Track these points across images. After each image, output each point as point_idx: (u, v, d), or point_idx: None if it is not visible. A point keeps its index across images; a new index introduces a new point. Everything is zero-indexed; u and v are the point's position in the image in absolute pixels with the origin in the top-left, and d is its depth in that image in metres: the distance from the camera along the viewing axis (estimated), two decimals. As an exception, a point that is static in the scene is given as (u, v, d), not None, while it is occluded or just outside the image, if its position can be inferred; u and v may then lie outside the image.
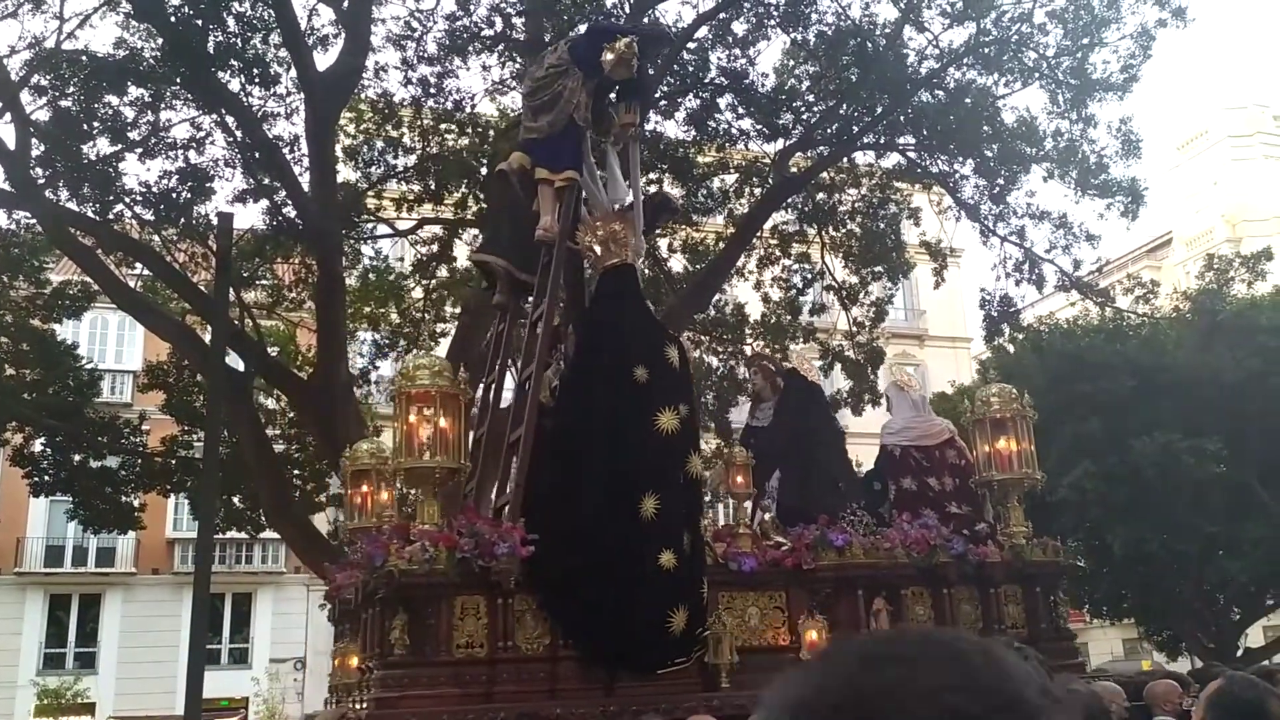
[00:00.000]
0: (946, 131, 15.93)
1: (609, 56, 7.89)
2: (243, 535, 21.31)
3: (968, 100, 15.69)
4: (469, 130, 15.90)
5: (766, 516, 8.36)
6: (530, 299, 8.41)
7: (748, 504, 8.17)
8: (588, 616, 6.68)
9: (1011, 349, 22.00)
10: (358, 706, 6.89)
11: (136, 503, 18.05)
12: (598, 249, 7.78)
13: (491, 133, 16.25)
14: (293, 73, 14.03)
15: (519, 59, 15.38)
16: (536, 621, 6.62)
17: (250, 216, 31.89)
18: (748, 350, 18.95)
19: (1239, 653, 21.58)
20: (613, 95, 8.38)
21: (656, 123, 16.41)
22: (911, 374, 10.52)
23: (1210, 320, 20.36)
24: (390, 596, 6.37)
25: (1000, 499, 8.94)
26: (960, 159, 16.86)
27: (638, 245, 8.06)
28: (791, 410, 9.51)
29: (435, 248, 17.02)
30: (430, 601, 6.39)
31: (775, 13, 15.62)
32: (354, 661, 7.28)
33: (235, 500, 17.64)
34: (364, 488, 8.68)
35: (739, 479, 8.07)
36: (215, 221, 14.05)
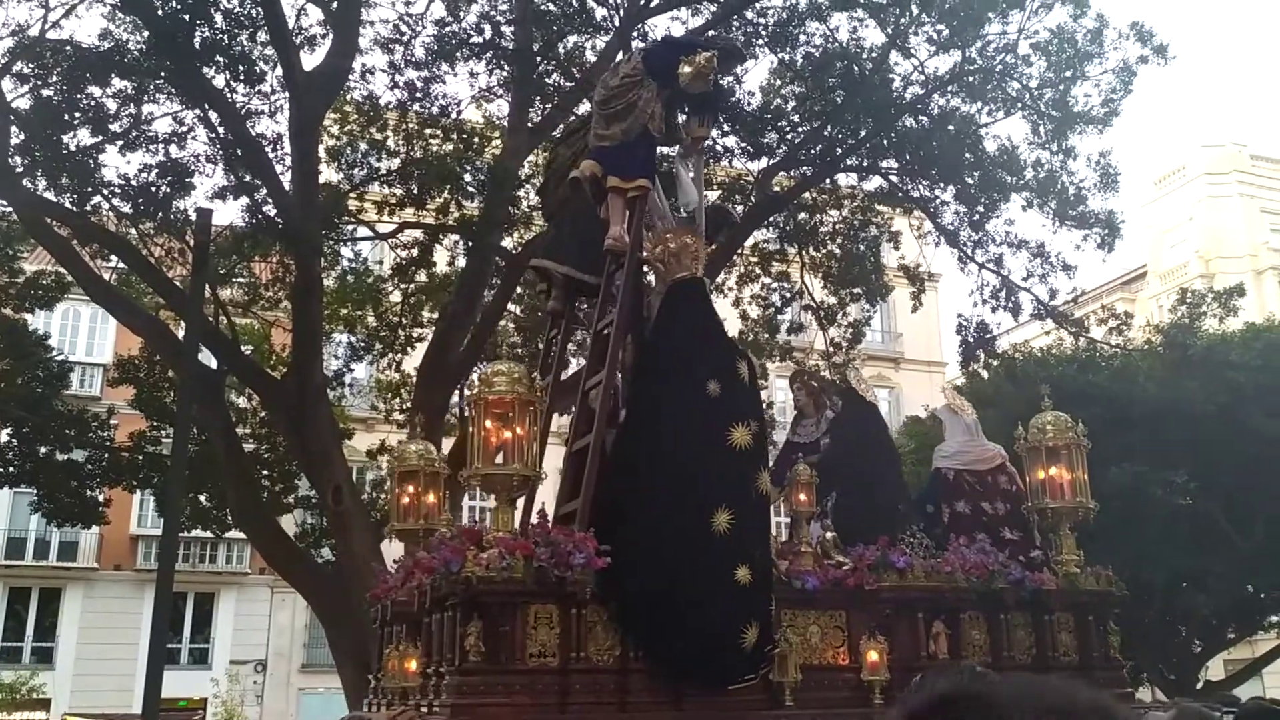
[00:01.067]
0: (929, 157, 16.05)
1: (687, 70, 7.87)
2: (208, 534, 21.16)
3: (950, 127, 15.82)
4: (454, 136, 15.88)
5: (828, 535, 8.34)
6: (585, 304, 8.50)
7: (813, 523, 8.26)
8: (664, 630, 6.66)
9: (986, 375, 22.12)
10: (423, 710, 6.87)
11: (102, 497, 17.87)
12: (668, 260, 7.77)
13: (476, 139, 16.24)
14: (278, 71, 13.98)
15: (506, 67, 15.38)
16: (607, 633, 6.62)
17: (229, 213, 31.71)
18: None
19: (1199, 685, 21.75)
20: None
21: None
22: (964, 399, 10.61)
23: (1181, 354, 20.53)
24: (465, 602, 6.36)
25: (1052, 526, 9.01)
26: (941, 185, 16.98)
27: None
28: (850, 430, 9.55)
29: (415, 252, 16.97)
30: (506, 609, 6.39)
31: (763, 33, 15.72)
32: (413, 665, 7.19)
33: (202, 499, 17.50)
34: (411, 489, 8.65)
35: (802, 497, 8.15)
36: (194, 217, 13.97)
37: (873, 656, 7.32)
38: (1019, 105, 16.14)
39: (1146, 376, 20.34)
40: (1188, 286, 26.42)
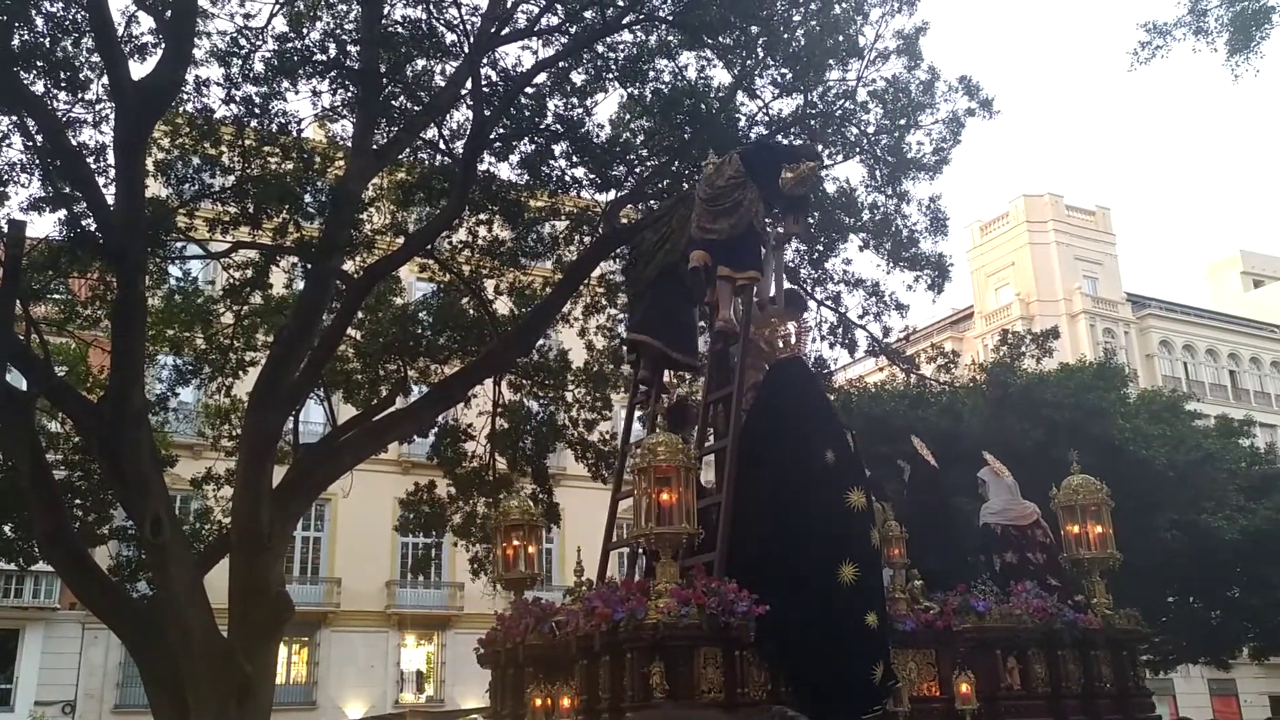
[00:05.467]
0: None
1: (789, 176, 9.10)
2: (12, 567, 19.73)
3: (793, 168, 16.23)
4: (294, 155, 15.36)
5: (916, 583, 9.37)
6: (667, 375, 10.22)
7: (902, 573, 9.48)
8: (811, 669, 7.69)
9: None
10: None
11: (-108, 529, 16.46)
12: (774, 341, 8.88)
13: (318, 159, 15.74)
14: (105, 79, 13.26)
15: (351, 88, 15.01)
16: (760, 671, 7.76)
17: (46, 226, 29.91)
18: (569, 396, 18.91)
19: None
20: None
21: (490, 164, 16.33)
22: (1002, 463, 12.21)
23: (1002, 392, 21.62)
24: (649, 645, 7.41)
25: (1085, 574, 10.38)
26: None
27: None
28: (920, 490, 11.18)
29: (250, 273, 16.32)
30: (683, 652, 7.45)
31: (614, 67, 15.83)
32: (566, 702, 8.03)
33: (6, 529, 16.33)
34: (515, 541, 9.76)
35: (895, 550, 9.38)
36: (5, 229, 13.13)
37: (964, 688, 8.60)
38: (857, 150, 16.75)
39: (971, 413, 21.32)
40: (1009, 328, 27.85)
